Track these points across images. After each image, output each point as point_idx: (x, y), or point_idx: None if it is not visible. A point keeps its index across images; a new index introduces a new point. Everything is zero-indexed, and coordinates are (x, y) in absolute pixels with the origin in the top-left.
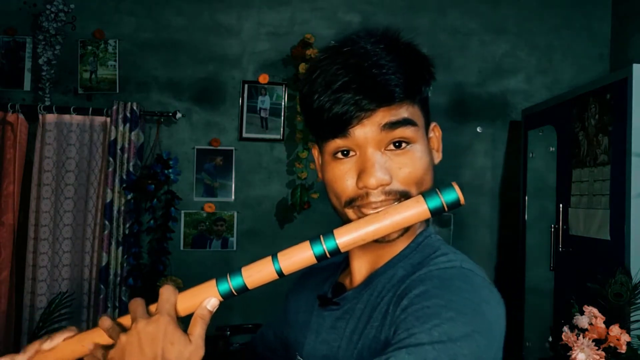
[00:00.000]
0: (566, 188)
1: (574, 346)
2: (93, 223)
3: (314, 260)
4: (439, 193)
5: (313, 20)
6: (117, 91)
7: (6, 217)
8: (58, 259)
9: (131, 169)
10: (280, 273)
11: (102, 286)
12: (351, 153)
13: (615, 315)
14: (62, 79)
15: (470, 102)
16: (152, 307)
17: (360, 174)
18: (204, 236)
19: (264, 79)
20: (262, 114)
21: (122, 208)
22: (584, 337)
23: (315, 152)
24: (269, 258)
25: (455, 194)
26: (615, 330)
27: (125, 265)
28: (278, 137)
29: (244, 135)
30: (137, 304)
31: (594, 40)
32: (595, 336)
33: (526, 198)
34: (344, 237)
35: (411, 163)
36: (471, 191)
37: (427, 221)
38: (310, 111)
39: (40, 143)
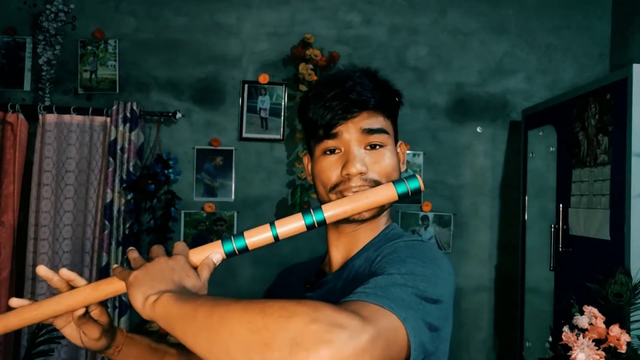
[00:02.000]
0: (566, 188)
1: (574, 346)
2: (93, 223)
3: (304, 229)
4: (405, 182)
5: (313, 20)
6: (117, 91)
7: (6, 217)
8: (58, 259)
9: (131, 169)
10: (276, 237)
11: None
12: (337, 150)
13: (615, 315)
14: (62, 79)
15: (470, 102)
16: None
17: (345, 164)
18: (204, 236)
19: (264, 79)
20: (262, 114)
21: (122, 208)
22: (584, 337)
23: (305, 160)
24: (267, 225)
25: (417, 182)
26: (615, 330)
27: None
28: (278, 137)
29: (244, 135)
30: (158, 247)
31: (594, 40)
32: (595, 336)
33: (526, 198)
34: (330, 211)
35: (383, 160)
36: (471, 191)
37: (403, 217)
38: (307, 119)
39: (40, 143)
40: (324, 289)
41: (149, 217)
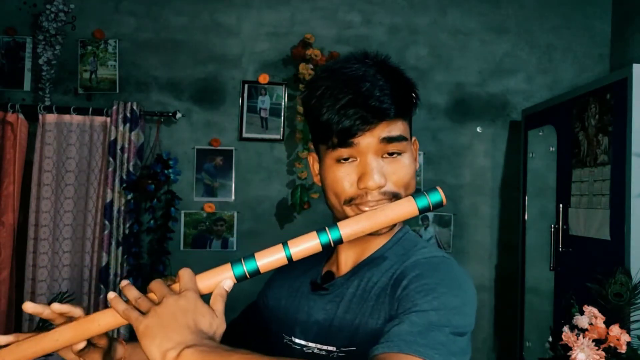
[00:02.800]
0: (566, 188)
1: (574, 346)
2: (93, 223)
3: (320, 249)
4: (426, 195)
5: (313, 20)
6: (117, 91)
7: (6, 217)
8: (58, 259)
9: (131, 169)
10: (290, 259)
11: (102, 286)
12: (351, 159)
13: (615, 315)
14: (62, 79)
15: (470, 102)
16: (175, 287)
17: (362, 176)
18: (204, 236)
19: (264, 79)
20: (262, 114)
21: (122, 208)
22: (584, 337)
23: (311, 160)
24: (280, 245)
25: (439, 196)
26: (615, 330)
27: (125, 265)
28: (278, 137)
29: (244, 135)
30: (159, 283)
31: (594, 40)
32: (595, 336)
33: (526, 198)
34: (347, 229)
35: (402, 170)
36: (471, 191)
37: (404, 221)
38: (317, 123)
39: (40, 143)
40: (332, 293)
41: (149, 217)
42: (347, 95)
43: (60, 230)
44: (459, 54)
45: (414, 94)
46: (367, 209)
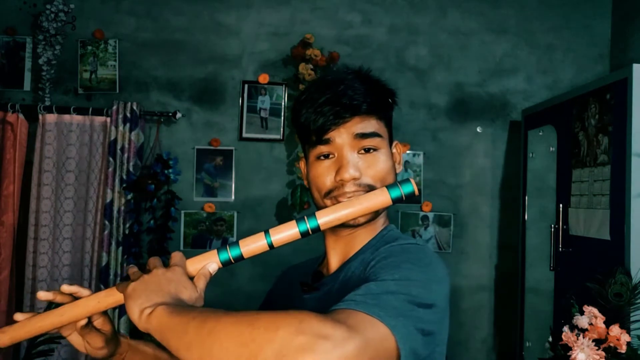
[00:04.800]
0: (566, 188)
1: (574, 346)
2: (93, 223)
3: (299, 236)
4: (399, 186)
5: (313, 20)
6: (117, 91)
7: (6, 217)
8: (58, 259)
9: (131, 169)
10: (270, 245)
11: (102, 286)
12: (331, 156)
13: (615, 315)
14: (62, 79)
15: (470, 102)
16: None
17: (338, 170)
18: (204, 236)
19: (264, 79)
20: (262, 114)
21: (122, 208)
22: (584, 337)
23: (302, 165)
24: (262, 233)
25: (411, 186)
26: (615, 330)
27: (125, 265)
28: (278, 137)
29: (244, 135)
30: (156, 258)
31: (594, 40)
32: (595, 336)
33: (526, 198)
34: (324, 217)
35: (377, 164)
36: (471, 191)
37: (403, 217)
38: (299, 123)
39: (40, 143)
40: (321, 291)
41: (149, 217)
42: (324, 96)
43: (60, 230)
44: (459, 54)
45: (390, 98)
46: (344, 200)
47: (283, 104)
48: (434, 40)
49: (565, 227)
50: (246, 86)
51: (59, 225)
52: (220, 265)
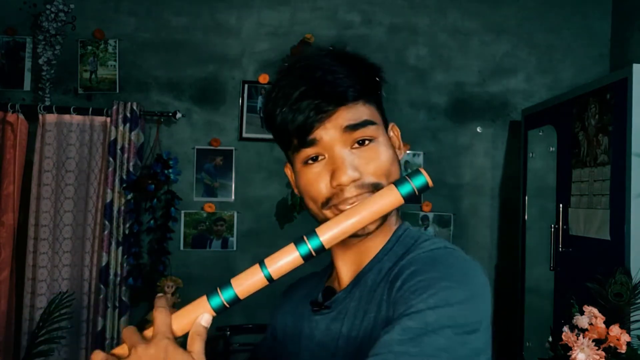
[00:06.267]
0: (566, 188)
1: (574, 346)
2: (93, 223)
3: (301, 261)
4: (409, 179)
5: (313, 20)
6: (117, 91)
7: (6, 217)
8: (58, 259)
9: (131, 169)
10: (269, 278)
11: (102, 286)
12: (320, 157)
13: (615, 315)
14: (62, 79)
15: (470, 102)
16: (147, 332)
17: (333, 173)
18: (204, 236)
19: (264, 79)
20: (262, 114)
21: (122, 208)
22: (584, 337)
23: (288, 171)
24: (257, 265)
25: (423, 178)
26: (615, 330)
27: (125, 265)
28: None
29: (244, 135)
30: (130, 331)
31: (594, 40)
32: (595, 336)
33: (526, 198)
34: (327, 234)
35: (377, 156)
36: (471, 191)
37: (402, 217)
38: (275, 126)
39: (40, 143)
40: (335, 310)
41: (149, 217)
42: (299, 89)
43: (60, 230)
44: (459, 54)
45: (377, 77)
46: (347, 207)
47: None
48: (434, 40)
49: (565, 227)
50: (246, 86)
51: (59, 225)
52: (214, 314)
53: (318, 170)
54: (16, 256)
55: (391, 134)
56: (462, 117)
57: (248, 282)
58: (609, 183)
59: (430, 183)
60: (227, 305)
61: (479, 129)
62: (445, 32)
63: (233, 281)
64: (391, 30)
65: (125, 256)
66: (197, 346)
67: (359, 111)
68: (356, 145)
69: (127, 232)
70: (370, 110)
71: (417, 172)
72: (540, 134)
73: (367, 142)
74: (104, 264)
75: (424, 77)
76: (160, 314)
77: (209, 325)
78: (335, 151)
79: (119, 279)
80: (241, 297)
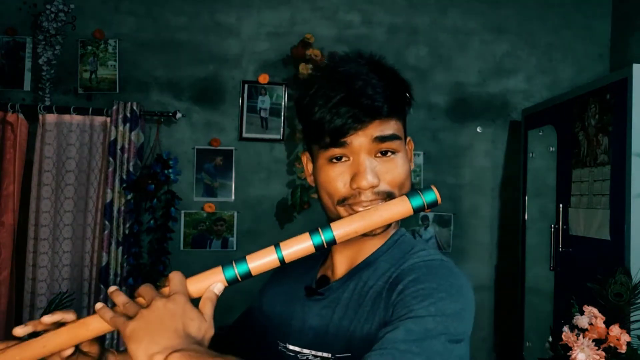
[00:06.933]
0: (566, 188)
1: (574, 346)
2: (93, 223)
3: (313, 250)
4: (420, 194)
5: (313, 20)
6: (117, 91)
7: (6, 217)
8: (58, 259)
9: (131, 169)
10: (282, 261)
11: (102, 286)
12: (344, 158)
13: (615, 315)
14: (62, 79)
15: (470, 102)
16: (164, 290)
17: (355, 176)
18: (204, 236)
19: (264, 79)
20: (262, 114)
21: (122, 208)
22: (584, 337)
23: (304, 159)
24: (272, 247)
25: (434, 194)
26: (615, 330)
27: (125, 265)
28: (278, 137)
29: (244, 135)
30: (148, 287)
31: (594, 40)
32: (595, 336)
33: (526, 198)
34: (340, 229)
35: (396, 169)
36: (471, 191)
37: (398, 222)
38: (310, 122)
39: (40, 143)
40: (327, 298)
41: (149, 217)
42: (339, 94)
43: (60, 230)
44: (459, 54)
45: (408, 94)
46: (360, 209)
47: (283, 104)
48: (434, 40)
49: (565, 227)
50: (246, 86)
51: (59, 225)
52: (227, 284)
53: (341, 170)
54: (16, 256)
55: (407, 147)
56: (462, 117)
57: (262, 260)
58: (609, 183)
59: (439, 200)
60: (240, 279)
61: (479, 129)
62: (445, 32)
63: (248, 257)
64: (391, 30)
65: (125, 256)
66: (207, 310)
67: (389, 125)
68: (379, 154)
69: (127, 232)
70: (398, 125)
71: (428, 188)
72: (540, 134)
73: (389, 153)
74: (104, 264)
75: (424, 77)
76: (176, 275)
77: (219, 294)
78: (361, 157)
79: (119, 279)
80: (253, 273)
